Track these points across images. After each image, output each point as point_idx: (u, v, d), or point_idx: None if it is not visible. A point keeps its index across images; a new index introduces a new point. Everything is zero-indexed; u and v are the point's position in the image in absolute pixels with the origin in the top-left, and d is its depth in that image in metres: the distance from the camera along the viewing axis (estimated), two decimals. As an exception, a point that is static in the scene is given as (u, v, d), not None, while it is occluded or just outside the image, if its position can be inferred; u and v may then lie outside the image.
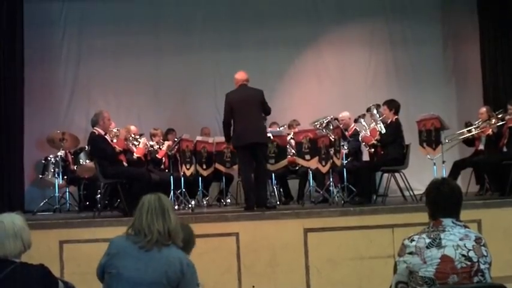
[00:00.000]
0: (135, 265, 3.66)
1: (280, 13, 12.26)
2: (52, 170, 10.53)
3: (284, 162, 9.55)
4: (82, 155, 10.56)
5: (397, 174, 9.18)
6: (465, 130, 9.73)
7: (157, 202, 3.82)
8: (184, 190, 9.69)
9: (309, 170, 9.79)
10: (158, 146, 10.13)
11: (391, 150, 9.01)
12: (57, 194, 10.38)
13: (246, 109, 8.47)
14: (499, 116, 9.18)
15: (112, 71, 12.13)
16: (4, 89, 10.52)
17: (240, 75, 8.73)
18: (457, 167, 9.49)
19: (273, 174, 9.92)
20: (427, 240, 3.55)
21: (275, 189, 10.09)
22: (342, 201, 9.02)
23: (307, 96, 12.13)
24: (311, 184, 9.97)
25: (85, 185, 10.61)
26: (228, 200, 10.66)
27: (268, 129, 9.57)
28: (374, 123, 9.30)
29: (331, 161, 9.04)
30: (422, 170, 10.24)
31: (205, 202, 10.43)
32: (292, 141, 9.84)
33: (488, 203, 8.10)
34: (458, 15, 12.43)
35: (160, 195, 3.89)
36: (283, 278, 7.50)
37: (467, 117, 10.37)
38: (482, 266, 3.50)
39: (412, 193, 9.10)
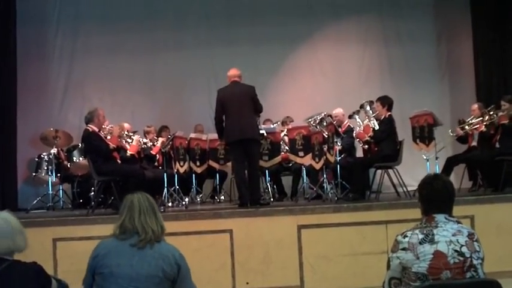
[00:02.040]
0: (129, 262, 3.68)
1: (274, 9, 12.27)
2: (45, 168, 10.51)
3: (277, 159, 9.56)
4: (75, 152, 10.55)
5: (390, 171, 9.20)
6: (458, 128, 9.76)
7: (146, 202, 3.86)
8: (178, 187, 9.69)
9: (302, 166, 9.81)
10: (152, 143, 10.12)
11: (385, 147, 9.02)
12: (50, 192, 10.36)
13: (237, 105, 8.48)
14: (491, 112, 9.20)
15: (106, 69, 12.10)
16: (-3, 86, 10.52)
17: (232, 72, 8.75)
18: (450, 163, 9.52)
19: (267, 171, 9.93)
20: (420, 236, 3.55)
21: (269, 186, 10.10)
22: (336, 198, 9.03)
23: (301, 93, 12.14)
24: (305, 181, 9.98)
25: (78, 182, 10.59)
26: (222, 197, 10.67)
27: (262, 126, 9.57)
28: (367, 119, 9.31)
29: (325, 157, 9.05)
30: (416, 166, 10.27)
31: (199, 199, 10.43)
32: (286, 138, 9.84)
33: (481, 199, 8.13)
34: (451, 12, 12.46)
35: (147, 195, 3.93)
36: (277, 275, 7.51)
37: (460, 113, 10.41)
38: (475, 262, 3.50)
39: (405, 189, 9.13)
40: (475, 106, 9.85)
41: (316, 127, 9.31)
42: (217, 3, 12.39)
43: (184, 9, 12.32)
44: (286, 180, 10.62)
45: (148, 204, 3.84)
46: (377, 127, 9.10)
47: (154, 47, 12.20)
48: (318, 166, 9.20)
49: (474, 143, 9.71)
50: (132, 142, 9.44)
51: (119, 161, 9.02)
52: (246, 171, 8.60)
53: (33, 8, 11.81)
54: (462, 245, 3.50)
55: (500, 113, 9.05)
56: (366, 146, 9.53)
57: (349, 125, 10.08)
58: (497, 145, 9.12)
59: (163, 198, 9.22)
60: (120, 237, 3.78)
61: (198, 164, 10.04)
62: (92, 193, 9.83)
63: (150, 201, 3.87)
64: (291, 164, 10.29)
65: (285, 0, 12.37)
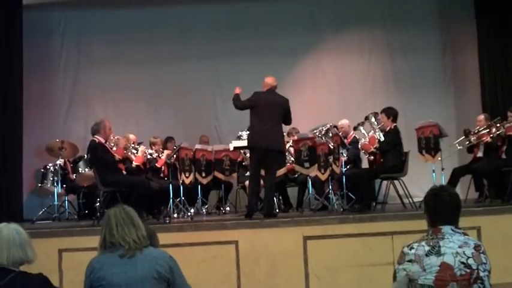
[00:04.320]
0: (122, 269, 3.70)
1: (278, 21, 12.29)
2: (51, 179, 10.53)
3: (283, 170, 9.56)
4: (81, 163, 10.57)
5: (396, 182, 9.18)
6: (463, 138, 9.73)
7: (123, 213, 3.88)
8: (183, 198, 9.69)
9: (308, 177, 9.80)
10: (157, 155, 10.13)
11: (390, 158, 9.01)
12: (56, 203, 10.37)
13: (267, 114, 8.48)
14: (498, 124, 9.17)
15: (111, 80, 12.14)
16: (3, 98, 10.54)
17: (270, 80, 8.79)
18: (456, 174, 9.48)
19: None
20: (427, 248, 3.54)
21: (274, 197, 10.08)
22: (341, 209, 9.02)
23: (305, 104, 12.09)
24: (310, 192, 9.97)
25: (84, 193, 10.59)
26: (227, 208, 10.65)
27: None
28: (373, 131, 9.30)
29: (330, 168, 9.03)
30: (422, 177, 10.25)
31: (204, 210, 10.40)
32: (291, 149, 9.84)
33: (488, 210, 8.10)
34: (456, 23, 12.46)
35: (123, 206, 3.96)
36: (282, 286, 7.50)
37: (465, 124, 10.37)
38: (481, 274, 3.48)
39: (411, 200, 9.10)
40: (481, 117, 9.82)
41: (322, 138, 9.30)
42: (222, 15, 12.42)
43: (188, 20, 12.36)
44: (292, 191, 10.59)
45: (125, 216, 3.85)
46: (382, 138, 9.09)
47: (159, 58, 12.25)
48: (323, 177, 9.17)
49: (480, 154, 9.68)
50: (137, 153, 9.46)
51: (125, 172, 9.04)
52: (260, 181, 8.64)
53: (38, 20, 11.90)
54: (469, 257, 3.49)
55: (507, 124, 9.03)
56: (372, 157, 9.52)
57: (354, 136, 10.07)
58: (504, 156, 9.11)
59: (168, 209, 9.23)
60: (108, 251, 3.80)
61: (203, 175, 10.02)
62: (98, 204, 9.82)
63: (127, 213, 3.88)
64: (296, 175, 10.28)
65: (289, 12, 12.38)
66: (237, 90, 8.85)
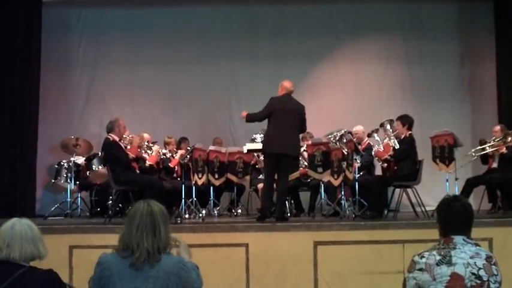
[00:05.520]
0: (133, 285, 3.53)
1: (296, 26, 12.30)
2: (64, 175, 10.58)
3: (296, 174, 9.55)
4: (95, 161, 10.59)
5: (409, 190, 9.15)
6: (479, 148, 9.68)
7: (148, 218, 3.59)
8: (195, 199, 9.70)
9: (320, 182, 9.78)
10: (171, 154, 10.15)
11: (404, 166, 8.97)
12: (68, 199, 10.41)
13: (285, 119, 8.48)
14: (515, 134, 9.13)
15: (128, 79, 12.18)
16: (20, 93, 10.60)
17: (288, 84, 8.75)
18: (470, 184, 9.43)
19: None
20: (437, 257, 3.53)
21: (286, 201, 10.07)
22: (353, 215, 8.99)
23: (321, 109, 12.05)
24: (322, 197, 9.94)
25: (97, 191, 10.63)
26: (239, 210, 10.64)
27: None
28: (387, 138, 9.27)
29: (344, 174, 9.01)
30: (435, 186, 10.19)
31: (216, 212, 10.41)
32: (305, 153, 9.83)
33: (500, 221, 8.04)
34: (475, 33, 12.40)
35: (153, 208, 3.64)
36: (291, 291, 7.48)
37: (481, 134, 10.32)
38: (492, 285, 3.46)
39: (423, 209, 9.06)
40: (497, 128, 9.77)
41: (336, 143, 9.28)
42: (241, 18, 12.45)
43: (207, 22, 12.37)
44: (304, 196, 10.58)
45: (149, 221, 3.57)
46: (397, 146, 9.05)
47: (176, 58, 12.26)
48: (336, 183, 9.16)
49: (495, 165, 9.62)
50: (151, 153, 9.49)
51: (138, 171, 9.07)
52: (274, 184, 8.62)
53: (57, 17, 11.96)
54: (480, 268, 3.47)
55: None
56: (385, 165, 9.48)
57: (369, 143, 10.04)
58: (518, 167, 9.06)
59: (180, 209, 9.24)
60: (121, 254, 3.59)
61: (216, 176, 10.02)
62: (110, 202, 9.87)
63: (152, 218, 3.59)
64: (309, 180, 10.27)
65: (307, 17, 12.37)
66: (244, 113, 8.86)
